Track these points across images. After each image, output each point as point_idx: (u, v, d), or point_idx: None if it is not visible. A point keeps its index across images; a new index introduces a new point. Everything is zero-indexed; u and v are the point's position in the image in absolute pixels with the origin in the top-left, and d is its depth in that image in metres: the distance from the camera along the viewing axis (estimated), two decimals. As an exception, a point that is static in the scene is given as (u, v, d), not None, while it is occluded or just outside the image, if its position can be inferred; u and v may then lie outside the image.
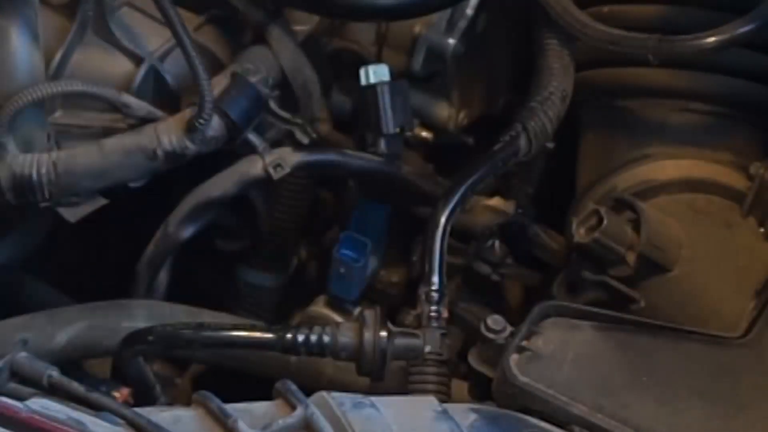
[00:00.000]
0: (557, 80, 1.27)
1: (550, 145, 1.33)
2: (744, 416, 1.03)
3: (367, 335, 1.08)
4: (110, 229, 1.47)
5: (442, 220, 1.17)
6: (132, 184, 1.24)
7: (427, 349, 1.09)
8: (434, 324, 1.11)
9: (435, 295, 1.13)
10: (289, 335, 1.08)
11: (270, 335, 1.08)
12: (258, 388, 0.95)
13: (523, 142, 1.26)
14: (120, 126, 1.24)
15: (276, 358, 1.18)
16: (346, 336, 1.09)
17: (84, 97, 1.22)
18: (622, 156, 1.32)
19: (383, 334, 1.09)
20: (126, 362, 1.12)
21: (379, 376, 1.10)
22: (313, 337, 1.08)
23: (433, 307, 1.12)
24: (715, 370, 1.08)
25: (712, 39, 1.20)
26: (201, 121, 1.20)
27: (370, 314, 1.10)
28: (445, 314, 1.12)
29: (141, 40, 1.29)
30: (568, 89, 1.28)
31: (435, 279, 1.14)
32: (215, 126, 1.22)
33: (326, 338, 1.08)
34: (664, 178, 1.29)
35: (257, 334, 1.09)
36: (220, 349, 1.13)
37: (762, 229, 1.24)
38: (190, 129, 1.21)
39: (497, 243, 1.32)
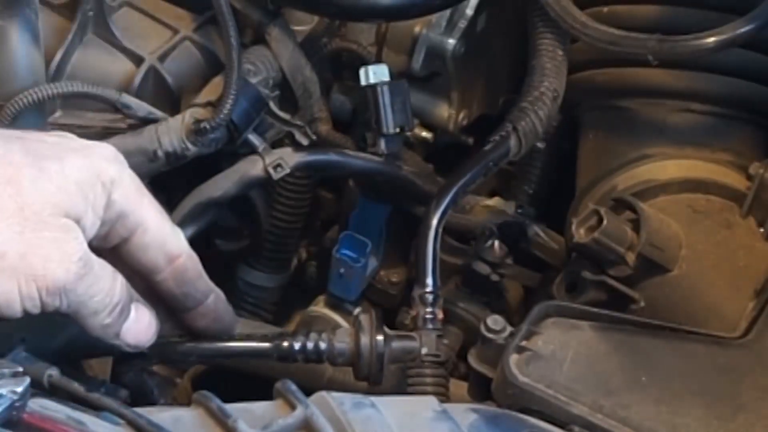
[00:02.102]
0: (548, 80, 1.27)
1: (541, 145, 1.33)
2: (744, 416, 1.03)
3: (364, 340, 1.08)
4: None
5: (434, 222, 1.17)
6: (132, 185, 1.24)
7: (424, 351, 1.09)
8: (430, 326, 1.11)
9: (429, 296, 1.13)
10: (285, 343, 1.07)
11: (266, 344, 1.08)
12: (258, 388, 0.95)
13: (513, 142, 1.26)
14: (120, 126, 1.24)
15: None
16: (343, 342, 1.08)
17: (84, 97, 1.23)
18: (622, 156, 1.32)
19: (380, 338, 1.09)
20: (123, 376, 1.11)
21: (377, 379, 1.09)
22: (310, 345, 1.08)
23: (428, 309, 1.12)
24: (715, 370, 1.08)
25: (712, 39, 1.20)
26: (213, 124, 1.21)
27: (365, 319, 1.10)
28: (440, 315, 1.12)
29: (141, 40, 1.29)
30: (560, 89, 1.28)
31: (429, 281, 1.14)
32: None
33: (322, 345, 1.08)
34: (664, 178, 1.29)
35: (253, 344, 1.09)
36: (217, 360, 1.13)
37: (761, 229, 1.24)
38: (195, 131, 1.21)
39: (497, 243, 1.32)
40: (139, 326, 1.02)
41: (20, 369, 0.81)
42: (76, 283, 0.95)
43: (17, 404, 0.79)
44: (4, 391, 0.79)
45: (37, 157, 0.96)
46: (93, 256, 0.97)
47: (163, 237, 1.02)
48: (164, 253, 1.03)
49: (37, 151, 0.97)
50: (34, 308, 0.94)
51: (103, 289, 0.97)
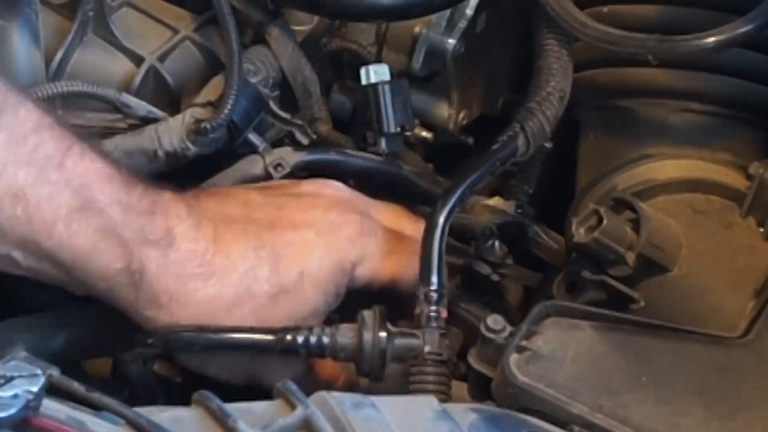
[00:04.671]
0: (555, 80, 1.27)
1: (548, 144, 1.33)
2: (744, 416, 1.03)
3: (367, 336, 1.08)
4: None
5: (441, 220, 1.17)
6: (132, 185, 1.24)
7: (427, 349, 1.09)
8: (433, 324, 1.11)
9: (434, 295, 1.12)
10: (288, 337, 1.08)
11: (270, 337, 1.08)
12: (258, 388, 0.95)
13: (521, 142, 1.26)
14: (120, 126, 1.24)
15: None
16: (346, 336, 1.09)
17: (83, 96, 1.22)
18: (622, 156, 1.32)
19: (382, 334, 1.09)
20: (127, 366, 1.11)
21: (378, 376, 1.10)
22: (313, 339, 1.08)
23: (433, 307, 1.12)
24: (715, 370, 1.08)
25: (712, 39, 1.20)
26: (213, 124, 1.21)
27: (369, 315, 1.10)
28: (444, 314, 1.12)
29: (141, 40, 1.29)
30: (566, 89, 1.28)
31: (434, 279, 1.13)
32: (216, 127, 1.23)
33: (326, 339, 1.08)
34: (664, 178, 1.29)
35: (257, 336, 1.09)
36: (220, 352, 1.13)
37: (761, 229, 1.24)
38: (195, 131, 1.21)
39: (497, 243, 1.32)
40: None
41: (38, 371, 0.81)
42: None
43: (32, 404, 0.79)
44: (19, 390, 0.79)
45: (277, 274, 1.09)
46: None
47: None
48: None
49: (279, 263, 1.09)
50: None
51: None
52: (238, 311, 1.08)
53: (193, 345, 1.08)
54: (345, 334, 1.09)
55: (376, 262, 1.13)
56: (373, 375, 1.10)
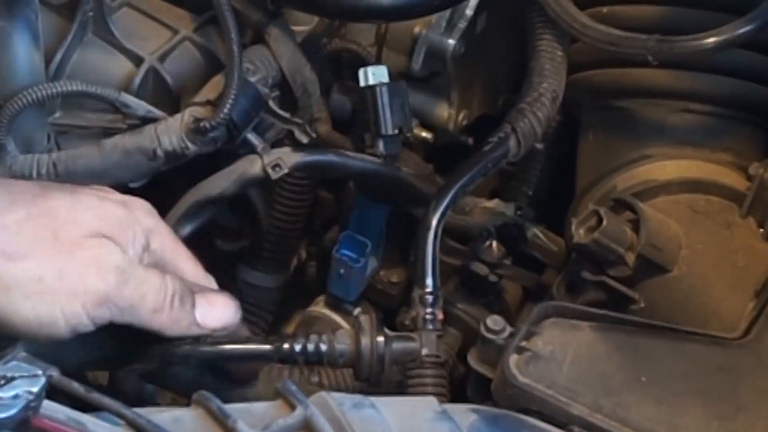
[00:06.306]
0: (548, 81, 1.27)
1: (539, 145, 1.33)
2: (744, 416, 1.04)
3: (364, 341, 1.08)
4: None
5: (434, 222, 1.17)
6: (132, 185, 1.24)
7: (424, 351, 1.09)
8: (429, 326, 1.11)
9: (429, 297, 1.13)
10: (286, 345, 1.07)
11: (267, 346, 1.08)
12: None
13: (512, 143, 1.26)
14: (120, 126, 1.24)
15: None
16: (343, 343, 1.08)
17: (83, 96, 1.22)
18: (622, 156, 1.33)
19: (380, 339, 1.09)
20: (122, 381, 1.11)
21: (378, 380, 1.09)
22: (310, 346, 1.08)
23: (428, 310, 1.12)
24: (715, 370, 1.08)
25: (712, 39, 1.20)
26: (212, 123, 1.21)
27: (365, 320, 1.09)
28: (440, 316, 1.12)
29: (141, 40, 1.29)
30: (559, 90, 1.28)
31: (428, 281, 1.13)
32: (216, 126, 1.23)
33: (323, 346, 1.08)
34: (664, 179, 1.29)
35: (254, 347, 1.09)
36: (218, 363, 1.13)
37: (761, 230, 1.24)
38: (194, 130, 1.21)
39: (495, 243, 1.32)
40: (215, 309, 1.05)
41: (38, 371, 0.81)
42: (120, 290, 0.98)
43: (33, 405, 0.79)
44: (20, 391, 0.79)
45: (76, 194, 1.01)
46: (134, 263, 1.00)
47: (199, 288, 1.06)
48: None
49: (76, 191, 1.02)
50: (82, 325, 0.97)
51: (154, 285, 1.00)
52: None
53: (189, 358, 1.08)
54: (342, 340, 1.09)
55: (170, 243, 1.07)
56: (373, 380, 1.09)
